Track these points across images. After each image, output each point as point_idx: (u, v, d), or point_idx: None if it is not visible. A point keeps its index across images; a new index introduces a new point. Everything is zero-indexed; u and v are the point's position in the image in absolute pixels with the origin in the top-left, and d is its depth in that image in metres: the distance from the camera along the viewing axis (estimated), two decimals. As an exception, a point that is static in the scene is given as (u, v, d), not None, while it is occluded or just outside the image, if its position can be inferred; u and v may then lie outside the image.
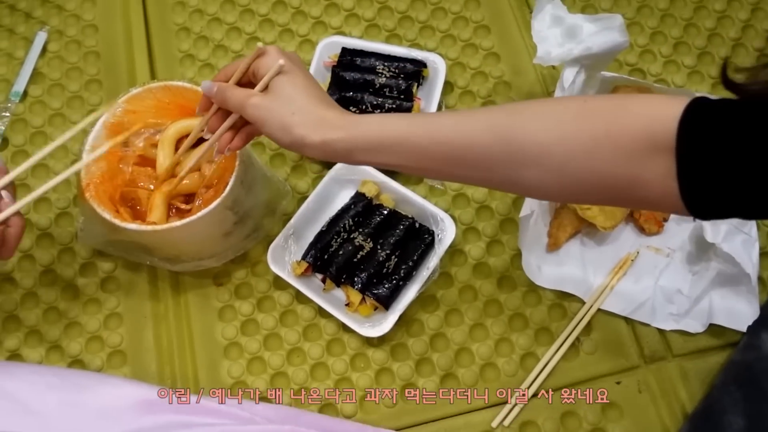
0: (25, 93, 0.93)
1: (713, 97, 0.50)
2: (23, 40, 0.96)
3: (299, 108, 0.59)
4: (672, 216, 0.82)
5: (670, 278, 0.79)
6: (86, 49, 0.96)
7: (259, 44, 0.62)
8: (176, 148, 0.77)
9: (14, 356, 0.81)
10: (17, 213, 0.66)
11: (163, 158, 0.77)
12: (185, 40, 0.96)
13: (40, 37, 0.95)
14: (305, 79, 0.61)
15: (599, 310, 0.79)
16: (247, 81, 0.64)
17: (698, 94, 0.52)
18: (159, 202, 0.75)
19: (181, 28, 0.97)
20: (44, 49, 0.95)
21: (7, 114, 0.91)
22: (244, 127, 0.65)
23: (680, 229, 0.82)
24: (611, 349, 0.79)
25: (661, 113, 0.50)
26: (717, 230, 0.76)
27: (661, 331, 0.79)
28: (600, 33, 0.79)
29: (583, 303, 0.79)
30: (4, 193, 0.66)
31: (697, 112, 0.49)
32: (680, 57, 0.94)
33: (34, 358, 0.80)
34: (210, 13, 0.98)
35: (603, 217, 0.78)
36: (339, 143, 0.58)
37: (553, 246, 0.80)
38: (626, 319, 0.80)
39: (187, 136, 0.77)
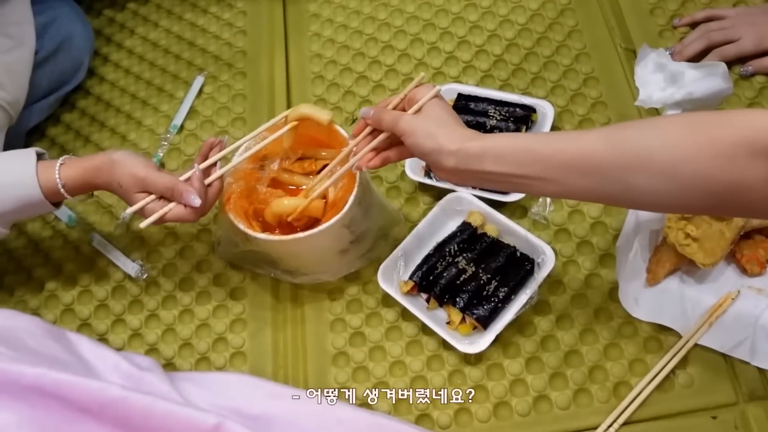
0: (182, 126, 1.08)
1: None
2: (184, 84, 1.12)
3: (444, 123, 0.72)
4: (776, 258, 0.82)
5: (771, 319, 0.79)
6: (235, 91, 1.10)
7: (423, 74, 0.78)
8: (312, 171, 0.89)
9: (152, 350, 0.92)
10: (219, 178, 0.83)
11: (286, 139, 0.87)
12: (319, 86, 1.09)
13: (198, 81, 1.11)
14: (449, 107, 0.75)
15: (696, 345, 0.80)
16: (401, 108, 0.77)
17: None
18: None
19: (317, 76, 1.10)
20: (200, 91, 1.10)
21: (166, 143, 1.06)
22: (384, 151, 0.77)
23: (784, 271, 0.82)
24: (708, 385, 0.79)
25: (760, 121, 0.54)
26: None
27: (761, 371, 0.79)
28: (703, 79, 0.83)
29: (680, 337, 0.80)
30: (219, 163, 0.83)
31: None
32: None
33: (168, 354, 0.91)
34: (342, 63, 1.10)
35: (703, 254, 0.79)
36: (472, 148, 0.68)
37: (652, 281, 0.82)
38: (724, 356, 0.80)
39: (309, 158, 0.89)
